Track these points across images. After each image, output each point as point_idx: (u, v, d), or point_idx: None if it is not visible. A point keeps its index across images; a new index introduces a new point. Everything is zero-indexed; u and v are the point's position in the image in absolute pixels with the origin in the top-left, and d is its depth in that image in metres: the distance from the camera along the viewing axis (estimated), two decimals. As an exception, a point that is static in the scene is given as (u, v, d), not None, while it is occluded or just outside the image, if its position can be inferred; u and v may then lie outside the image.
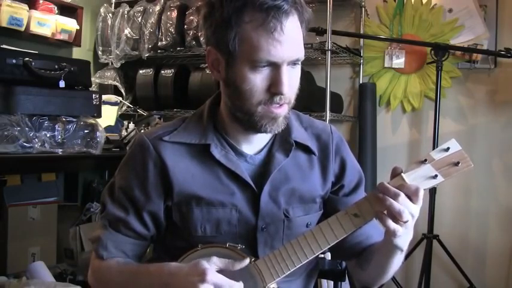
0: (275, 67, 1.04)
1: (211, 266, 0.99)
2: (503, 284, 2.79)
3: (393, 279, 2.68)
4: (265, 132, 1.11)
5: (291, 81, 1.06)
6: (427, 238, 2.61)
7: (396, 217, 0.99)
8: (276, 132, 1.12)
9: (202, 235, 1.12)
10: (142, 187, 1.14)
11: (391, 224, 1.00)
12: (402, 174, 1.03)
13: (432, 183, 1.03)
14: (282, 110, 1.08)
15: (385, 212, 1.01)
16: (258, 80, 1.04)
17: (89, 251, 2.59)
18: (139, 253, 1.19)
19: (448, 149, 1.04)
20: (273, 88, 1.04)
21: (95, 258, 1.17)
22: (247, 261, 1.02)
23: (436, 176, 1.03)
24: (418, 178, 1.03)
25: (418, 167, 1.03)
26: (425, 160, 1.03)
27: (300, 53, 1.06)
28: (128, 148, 2.43)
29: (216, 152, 1.13)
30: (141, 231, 1.16)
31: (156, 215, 1.15)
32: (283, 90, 1.04)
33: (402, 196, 0.99)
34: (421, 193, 1.01)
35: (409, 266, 2.89)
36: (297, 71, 1.09)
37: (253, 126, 1.10)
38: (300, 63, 1.08)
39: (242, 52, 1.03)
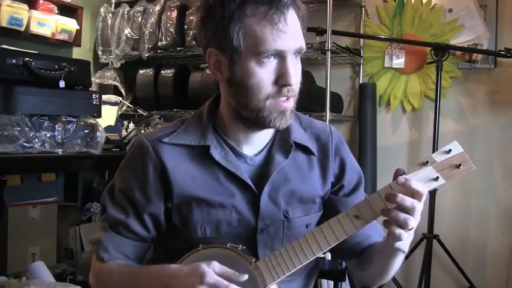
0: (281, 59, 1.05)
1: (211, 268, 0.99)
2: (503, 284, 2.79)
3: (393, 279, 2.68)
4: (274, 127, 1.11)
5: (296, 73, 1.08)
6: (427, 238, 2.61)
7: (403, 226, 0.99)
8: (285, 126, 1.12)
9: (202, 236, 1.13)
10: (142, 189, 1.14)
11: (396, 229, 1.00)
12: (404, 175, 1.03)
13: (433, 185, 1.04)
14: (289, 104, 1.09)
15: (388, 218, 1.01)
16: (265, 73, 1.05)
17: (89, 251, 2.59)
18: (139, 255, 1.19)
19: (449, 151, 1.04)
20: (281, 80, 1.06)
21: (96, 261, 1.17)
22: (246, 276, 1.01)
23: (437, 178, 1.03)
24: (420, 180, 1.03)
25: (419, 169, 1.04)
26: (427, 162, 1.04)
27: (303, 43, 1.08)
28: (127, 149, 2.43)
29: (216, 153, 1.14)
30: (141, 233, 1.16)
31: (156, 217, 1.15)
32: (291, 81, 1.05)
33: (409, 200, 0.99)
34: (425, 192, 1.01)
35: (409, 266, 2.89)
36: (299, 63, 1.11)
37: (261, 122, 1.10)
38: (299, 56, 1.10)
39: (247, 46, 1.04)
